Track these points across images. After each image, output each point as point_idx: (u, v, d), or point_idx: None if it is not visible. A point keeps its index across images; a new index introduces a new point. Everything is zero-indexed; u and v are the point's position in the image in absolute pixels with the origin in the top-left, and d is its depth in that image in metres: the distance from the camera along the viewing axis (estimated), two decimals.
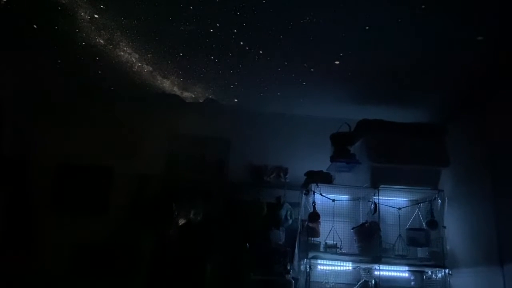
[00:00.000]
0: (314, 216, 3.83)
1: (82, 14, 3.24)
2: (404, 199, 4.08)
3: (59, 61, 3.99)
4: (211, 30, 3.33)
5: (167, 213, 4.20)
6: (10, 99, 4.14)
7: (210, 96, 4.59)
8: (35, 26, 3.44)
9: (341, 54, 3.58)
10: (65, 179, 4.47)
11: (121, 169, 4.49)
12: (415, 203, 4.02)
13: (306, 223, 3.86)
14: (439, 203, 3.79)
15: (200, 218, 4.25)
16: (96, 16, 3.25)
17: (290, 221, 4.29)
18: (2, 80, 3.98)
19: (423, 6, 2.86)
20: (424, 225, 3.83)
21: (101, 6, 3.13)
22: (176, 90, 4.49)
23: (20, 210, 4.21)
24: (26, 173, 4.30)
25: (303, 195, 4.01)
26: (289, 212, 4.30)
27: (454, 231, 3.81)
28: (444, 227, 3.75)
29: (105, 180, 4.48)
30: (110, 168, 4.51)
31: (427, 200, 3.88)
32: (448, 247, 3.69)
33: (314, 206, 3.84)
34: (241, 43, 3.48)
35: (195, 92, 4.54)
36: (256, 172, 4.53)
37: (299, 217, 4.08)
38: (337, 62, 3.68)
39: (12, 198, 4.17)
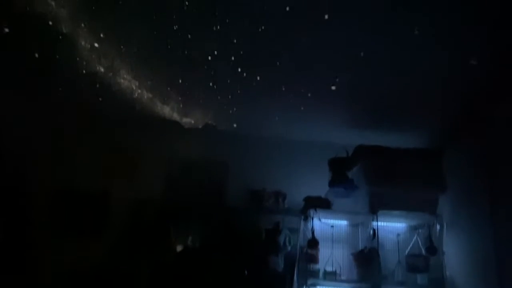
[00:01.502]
0: (313, 243, 3.81)
1: (83, 43, 3.31)
2: (403, 224, 4.05)
3: (60, 89, 4.04)
4: (209, 57, 3.39)
5: (164, 238, 4.18)
6: (9, 126, 4.18)
7: (209, 122, 4.63)
8: (36, 55, 3.51)
9: (337, 80, 3.63)
10: (63, 204, 4.45)
11: (119, 194, 4.48)
12: (414, 228, 3.98)
13: (305, 249, 3.83)
14: (438, 229, 3.77)
15: (198, 243, 4.22)
16: (96, 44, 3.32)
17: (289, 248, 4.24)
18: (1, 107, 4.02)
19: (416, 32, 2.92)
20: (423, 251, 3.80)
21: (101, 35, 3.20)
22: (175, 116, 4.54)
23: (17, 236, 4.19)
24: (23, 198, 4.30)
25: (302, 221, 3.98)
26: (287, 238, 4.26)
27: (454, 257, 3.76)
28: (444, 253, 3.72)
29: (103, 205, 4.47)
30: (108, 194, 4.50)
31: (426, 225, 3.85)
32: (447, 273, 3.65)
33: (313, 232, 3.82)
34: (239, 69, 3.54)
35: (194, 118, 4.59)
36: (254, 197, 4.52)
37: (298, 244, 4.04)
38: (333, 87, 3.72)
39: (8, 224, 4.16)
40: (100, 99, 4.15)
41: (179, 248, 4.21)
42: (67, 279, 4.17)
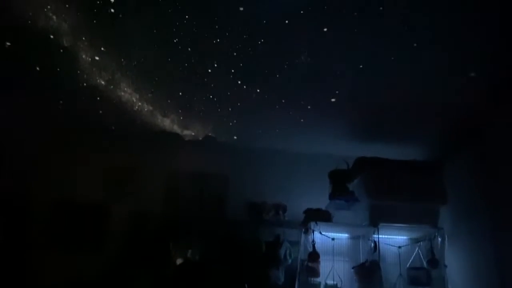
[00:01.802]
0: (314, 256, 3.78)
1: (84, 56, 3.34)
2: (404, 237, 4.03)
3: (60, 102, 4.06)
4: (209, 70, 3.41)
5: (164, 251, 4.15)
6: (11, 138, 4.19)
7: (209, 134, 4.63)
8: (37, 68, 3.53)
9: (337, 92, 3.64)
10: (62, 218, 4.44)
11: (119, 207, 4.47)
12: (415, 241, 3.97)
13: (306, 262, 3.81)
14: (439, 241, 3.74)
15: (197, 256, 4.19)
16: (97, 58, 3.34)
17: (290, 261, 4.20)
18: (3, 120, 4.04)
19: (415, 45, 2.94)
20: (424, 264, 3.77)
21: (102, 49, 3.22)
22: (176, 128, 4.54)
23: (17, 248, 4.17)
24: (24, 211, 4.29)
25: (303, 233, 3.97)
26: (288, 251, 4.23)
27: (455, 270, 3.73)
28: (445, 266, 3.68)
29: (103, 218, 4.46)
30: (108, 206, 4.49)
31: (427, 238, 3.83)
32: (449, 287, 3.62)
33: (313, 245, 3.80)
34: (239, 82, 3.56)
35: (195, 130, 4.59)
36: (255, 209, 4.50)
37: (299, 256, 4.01)
38: (333, 100, 3.73)
39: (8, 237, 4.14)
40: (100, 111, 4.16)
41: (179, 261, 4.17)
42: None
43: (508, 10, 2.57)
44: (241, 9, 2.67)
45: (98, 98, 3.90)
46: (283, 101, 3.85)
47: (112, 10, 2.78)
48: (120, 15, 2.84)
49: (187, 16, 2.80)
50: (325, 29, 2.85)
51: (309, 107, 3.90)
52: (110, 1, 2.71)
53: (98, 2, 2.72)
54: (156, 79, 3.63)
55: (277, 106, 3.92)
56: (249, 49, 3.11)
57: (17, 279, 4.07)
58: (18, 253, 4.15)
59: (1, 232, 4.11)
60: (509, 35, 2.79)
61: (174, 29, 2.93)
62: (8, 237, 4.14)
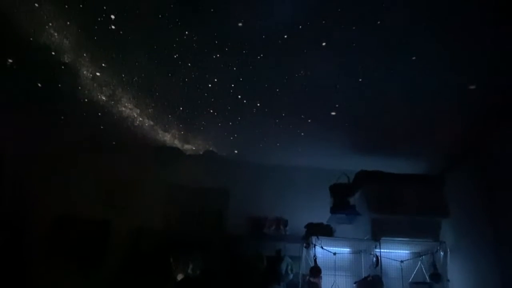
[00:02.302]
0: (316, 271, 3.75)
1: (85, 72, 3.36)
2: (406, 251, 4.00)
3: (62, 117, 4.08)
4: (210, 85, 3.43)
5: (164, 267, 4.11)
6: (11, 154, 4.20)
7: (210, 148, 4.64)
8: (39, 84, 3.56)
9: (336, 105, 3.65)
10: (62, 234, 4.43)
11: (119, 222, 4.46)
12: (417, 255, 3.93)
13: (307, 277, 3.77)
14: (441, 255, 3.71)
15: (198, 272, 4.15)
16: (98, 74, 3.37)
17: (291, 276, 4.16)
18: (5, 136, 4.06)
19: (414, 58, 2.95)
20: (427, 278, 3.73)
21: (103, 64, 3.25)
22: (176, 143, 4.55)
23: (16, 265, 4.14)
24: (23, 226, 4.28)
25: (304, 248, 3.95)
26: (289, 266, 4.19)
27: (458, 284, 3.70)
28: (448, 280, 3.65)
29: (102, 233, 4.44)
30: (108, 222, 4.48)
31: (429, 252, 3.80)
32: None
33: (315, 260, 3.78)
34: (239, 96, 3.57)
35: (196, 145, 4.60)
36: (255, 224, 4.48)
37: (300, 272, 3.98)
38: (333, 113, 3.74)
39: (7, 252, 4.12)
40: (101, 127, 4.18)
41: (179, 276, 4.13)
42: None
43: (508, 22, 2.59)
44: (240, 24, 2.69)
45: (99, 114, 3.93)
46: (283, 114, 3.86)
47: (113, 27, 2.81)
48: (121, 32, 2.86)
49: (186, 32, 2.82)
50: (324, 44, 2.86)
51: (309, 120, 3.91)
52: (111, 18, 2.74)
53: (99, 19, 2.74)
54: (157, 94, 3.64)
55: (277, 120, 3.94)
56: (249, 63, 3.13)
57: None
58: (19, 271, 4.13)
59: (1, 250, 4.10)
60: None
61: (174, 45, 2.96)
62: (8, 254, 4.12)
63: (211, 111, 3.85)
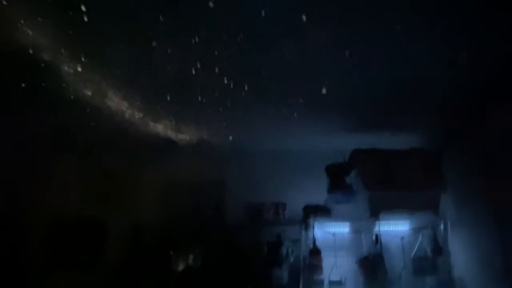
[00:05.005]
0: (315, 252, 3.74)
1: (66, 68, 3.30)
2: (406, 227, 3.94)
3: (51, 115, 4.04)
4: (193, 72, 3.35)
5: (165, 260, 4.10)
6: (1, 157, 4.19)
7: (204, 137, 4.58)
8: (23, 85, 3.52)
9: (326, 82, 3.55)
10: (59, 233, 4.41)
11: (116, 220, 4.43)
12: (417, 231, 3.88)
13: (308, 260, 3.75)
14: (442, 229, 3.65)
15: (199, 264, 4.13)
16: (79, 69, 3.31)
17: (292, 259, 4.14)
18: None
19: (398, 27, 2.84)
20: (429, 252, 3.68)
21: (82, 59, 3.19)
22: (169, 134, 4.50)
23: (14, 267, 4.15)
24: (18, 228, 4.27)
25: (303, 230, 3.91)
26: (290, 250, 4.16)
27: (460, 257, 3.64)
28: (450, 253, 3.60)
29: (100, 232, 4.43)
30: (105, 220, 4.46)
31: (430, 226, 3.74)
32: (455, 274, 3.52)
33: (314, 242, 3.74)
34: (225, 81, 3.49)
35: (189, 134, 4.55)
36: (254, 211, 4.46)
37: (301, 254, 3.95)
38: (324, 91, 3.64)
39: (4, 255, 4.13)
40: (92, 123, 4.14)
41: (181, 267, 4.13)
42: None
43: None
44: (211, 6, 2.61)
45: (88, 110, 3.88)
46: (273, 98, 3.79)
47: (86, 19, 2.74)
48: (95, 23, 2.79)
49: (161, 18, 2.75)
50: (304, 18, 2.76)
51: (300, 100, 3.82)
52: (82, 10, 2.67)
53: (70, 12, 2.68)
54: (141, 85, 3.59)
55: (267, 103, 3.85)
56: (229, 46, 3.04)
57: None
58: (18, 273, 4.12)
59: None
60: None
61: (151, 32, 2.88)
62: (6, 256, 4.12)
63: (199, 98, 3.77)
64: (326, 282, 3.73)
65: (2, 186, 4.24)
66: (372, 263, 3.68)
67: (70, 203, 4.43)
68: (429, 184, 3.71)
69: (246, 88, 3.62)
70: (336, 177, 3.93)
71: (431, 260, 3.63)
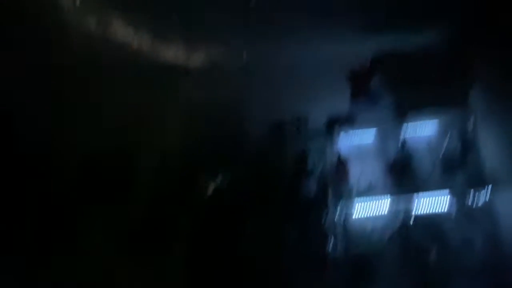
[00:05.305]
0: (341, 162, 3.72)
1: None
2: (433, 131, 3.85)
3: (59, 50, 3.93)
4: None
5: (193, 186, 4.13)
6: (19, 98, 4.13)
7: (218, 58, 4.44)
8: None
9: None
10: (91, 169, 4.43)
11: (140, 150, 4.41)
12: (444, 133, 3.78)
13: (335, 169, 3.74)
14: (471, 124, 3.56)
15: (227, 184, 4.15)
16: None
17: (319, 170, 4.11)
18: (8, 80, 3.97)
19: None
20: (458, 150, 3.62)
21: None
22: (181, 57, 4.36)
23: (46, 202, 4.22)
24: (48, 165, 4.29)
25: (328, 141, 3.87)
26: (316, 162, 4.12)
27: (491, 151, 3.57)
28: (479, 147, 3.53)
29: (127, 164, 4.42)
30: (130, 151, 4.44)
31: (459, 122, 3.65)
32: (487, 168, 3.48)
33: (339, 152, 3.71)
34: None
35: (202, 57, 4.41)
36: (276, 127, 4.37)
37: (327, 165, 3.92)
38: None
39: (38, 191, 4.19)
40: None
41: (210, 192, 4.16)
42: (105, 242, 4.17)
43: None
44: None
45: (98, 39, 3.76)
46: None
47: None
48: None
49: None
50: None
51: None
52: None
53: None
54: (149, 11, 3.44)
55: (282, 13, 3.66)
56: None
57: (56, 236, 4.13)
58: (51, 210, 4.20)
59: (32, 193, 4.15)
60: None
61: None
62: (38, 196, 4.18)
63: (211, 17, 3.61)
64: (354, 190, 3.72)
65: (32, 124, 4.21)
66: (400, 166, 3.65)
67: (94, 138, 4.40)
68: (456, 78, 3.57)
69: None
70: (359, 84, 3.80)
71: (460, 157, 3.57)
